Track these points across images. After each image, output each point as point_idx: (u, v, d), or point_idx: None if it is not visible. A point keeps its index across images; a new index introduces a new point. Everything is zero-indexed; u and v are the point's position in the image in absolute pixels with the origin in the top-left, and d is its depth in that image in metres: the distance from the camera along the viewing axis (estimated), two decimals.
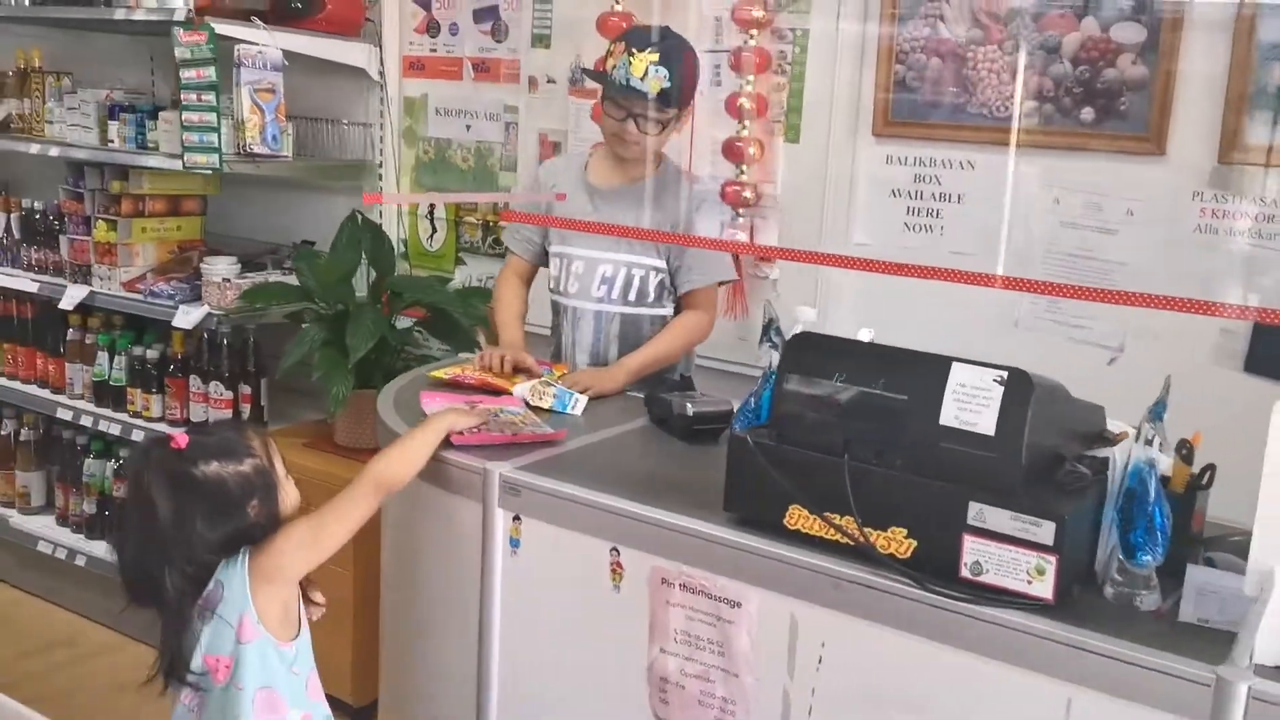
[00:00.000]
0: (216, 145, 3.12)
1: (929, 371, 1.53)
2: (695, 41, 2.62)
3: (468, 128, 3.51)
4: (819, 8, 2.86)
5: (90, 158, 3.52)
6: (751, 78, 2.88)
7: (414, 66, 3.59)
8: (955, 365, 1.52)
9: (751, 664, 1.66)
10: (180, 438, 1.75)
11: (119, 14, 3.27)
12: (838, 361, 1.62)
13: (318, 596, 1.90)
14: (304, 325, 3.12)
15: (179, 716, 1.76)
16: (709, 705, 1.71)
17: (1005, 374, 1.49)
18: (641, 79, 2.41)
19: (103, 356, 3.62)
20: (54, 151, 3.56)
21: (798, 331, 1.75)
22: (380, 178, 3.61)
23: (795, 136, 2.93)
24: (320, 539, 1.75)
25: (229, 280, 3.33)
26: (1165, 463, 1.54)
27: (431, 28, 3.54)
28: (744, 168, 2.92)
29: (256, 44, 3.20)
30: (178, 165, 3.21)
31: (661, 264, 2.60)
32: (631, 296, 2.60)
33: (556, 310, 2.69)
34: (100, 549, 3.65)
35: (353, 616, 2.91)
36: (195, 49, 3.08)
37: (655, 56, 2.41)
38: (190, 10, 3.12)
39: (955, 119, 2.76)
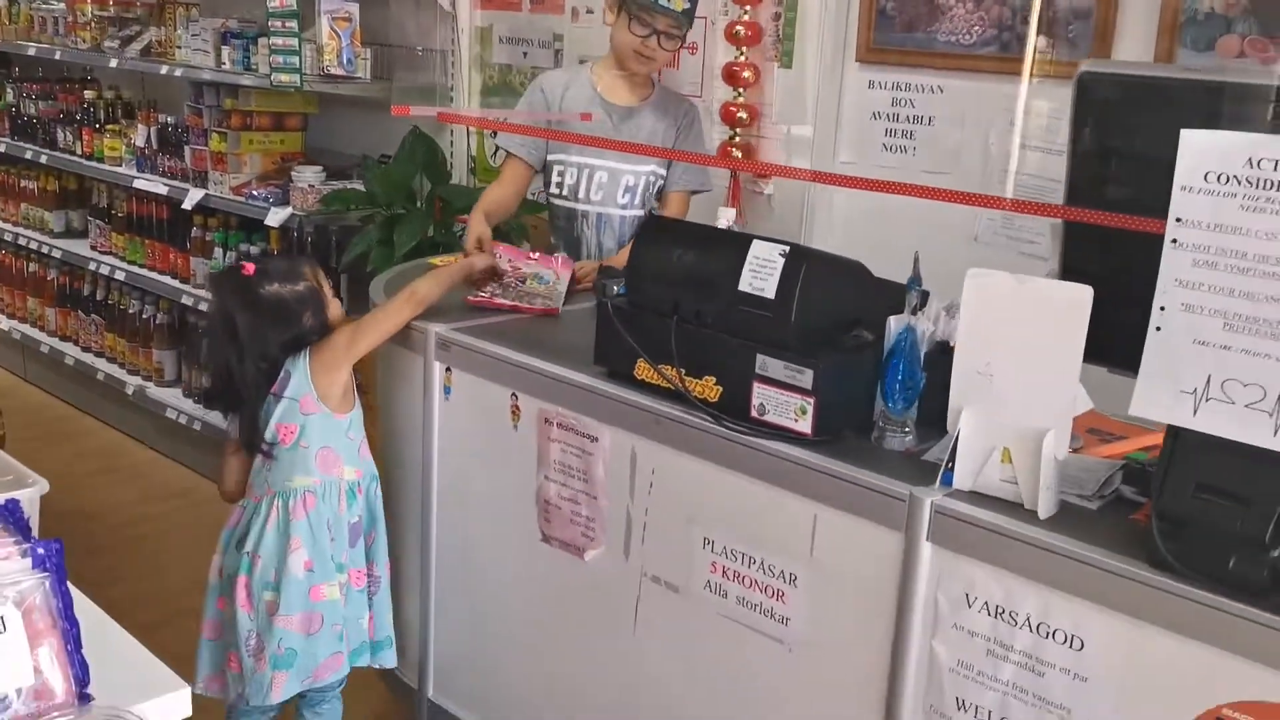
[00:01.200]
0: (298, 66, 3.62)
1: (739, 248, 1.85)
2: None
3: (524, 54, 3.89)
4: None
5: (208, 78, 4.09)
6: (748, 8, 3.15)
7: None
8: (754, 242, 1.83)
9: (605, 488, 2.03)
10: (248, 266, 2.27)
11: None
12: (677, 242, 1.95)
13: None
14: (363, 225, 3.60)
15: (256, 472, 2.26)
16: (577, 523, 2.09)
17: (787, 248, 1.79)
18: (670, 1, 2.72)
19: (218, 251, 4.22)
20: (179, 72, 4.15)
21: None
22: (451, 100, 4.04)
23: (789, 63, 3.19)
24: (358, 339, 2.24)
25: (313, 186, 3.84)
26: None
27: None
28: (740, 90, 3.20)
29: None
30: (270, 84, 3.73)
31: (664, 171, 2.95)
32: (647, 201, 2.95)
33: (571, 215, 3.04)
34: (215, 417, 4.28)
35: None
36: None
37: None
38: None
39: (927, 47, 2.97)
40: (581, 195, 2.96)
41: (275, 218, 3.83)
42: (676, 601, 1.95)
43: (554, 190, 3.04)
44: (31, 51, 5.01)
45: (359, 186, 3.87)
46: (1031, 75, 2.80)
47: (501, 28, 3.96)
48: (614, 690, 2.09)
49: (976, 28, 2.89)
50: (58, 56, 4.87)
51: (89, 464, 4.40)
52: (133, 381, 4.57)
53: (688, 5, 2.71)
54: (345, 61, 3.72)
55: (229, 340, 2.20)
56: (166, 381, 4.56)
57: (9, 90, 5.32)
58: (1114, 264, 1.57)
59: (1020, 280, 1.57)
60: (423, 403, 2.32)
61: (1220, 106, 1.49)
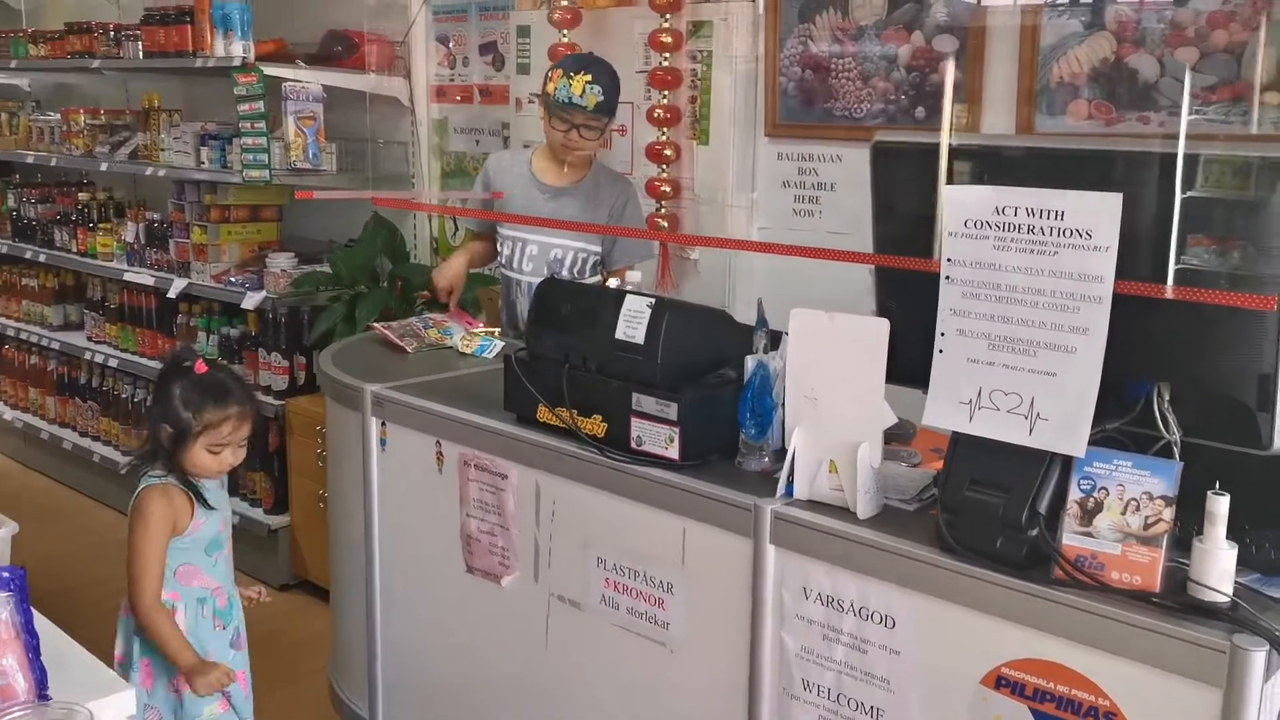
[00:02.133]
0: (267, 163, 3.97)
1: (616, 302, 2.13)
2: (626, 64, 3.26)
3: (477, 142, 4.24)
4: (718, 31, 3.45)
5: (188, 176, 4.45)
6: (667, 92, 3.49)
7: (438, 94, 4.35)
8: (628, 296, 2.12)
9: (516, 519, 2.29)
10: (201, 365, 2.33)
11: (197, 62, 4.17)
12: (566, 300, 2.24)
13: (252, 592, 2.54)
14: (330, 304, 3.91)
15: None
16: (494, 553, 2.35)
17: (653, 300, 2.08)
18: (580, 95, 3.04)
19: (201, 335, 4.53)
20: (163, 173, 4.51)
21: (544, 281, 2.38)
22: (413, 186, 4.38)
23: (706, 140, 3.52)
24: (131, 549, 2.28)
25: (285, 271, 4.17)
26: None
27: (451, 61, 4.29)
28: (663, 167, 3.52)
29: (300, 80, 4.03)
30: (242, 180, 4.07)
31: (599, 248, 3.24)
32: (575, 273, 3.24)
33: (508, 284, 3.34)
34: None
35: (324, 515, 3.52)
36: (249, 87, 3.93)
37: (589, 76, 3.02)
38: (246, 57, 3.97)
39: (825, 120, 3.29)
40: (516, 265, 3.26)
41: (251, 301, 4.15)
42: (578, 616, 2.21)
43: (501, 261, 3.34)
44: (30, 159, 5.40)
45: (327, 269, 4.19)
46: None
47: (456, 119, 4.32)
48: (534, 697, 2.33)
49: (865, 103, 3.22)
50: (54, 163, 5.26)
51: (85, 539, 4.66)
52: (126, 460, 4.85)
53: (601, 100, 3.01)
54: (311, 156, 4.06)
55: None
56: None
57: (10, 196, 5.70)
58: (912, 301, 1.84)
59: (831, 317, 1.85)
60: (361, 454, 2.59)
61: (982, 166, 1.78)
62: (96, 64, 4.79)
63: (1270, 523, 1.65)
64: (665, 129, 3.50)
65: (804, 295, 2.46)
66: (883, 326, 1.79)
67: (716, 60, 3.46)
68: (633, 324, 2.08)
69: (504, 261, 3.31)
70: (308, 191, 3.42)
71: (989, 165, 1.76)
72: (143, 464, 2.35)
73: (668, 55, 3.47)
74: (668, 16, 3.42)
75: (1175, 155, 1.58)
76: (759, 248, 3.33)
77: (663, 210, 3.55)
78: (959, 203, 1.68)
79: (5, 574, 1.63)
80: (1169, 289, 1.53)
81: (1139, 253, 1.58)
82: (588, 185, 3.25)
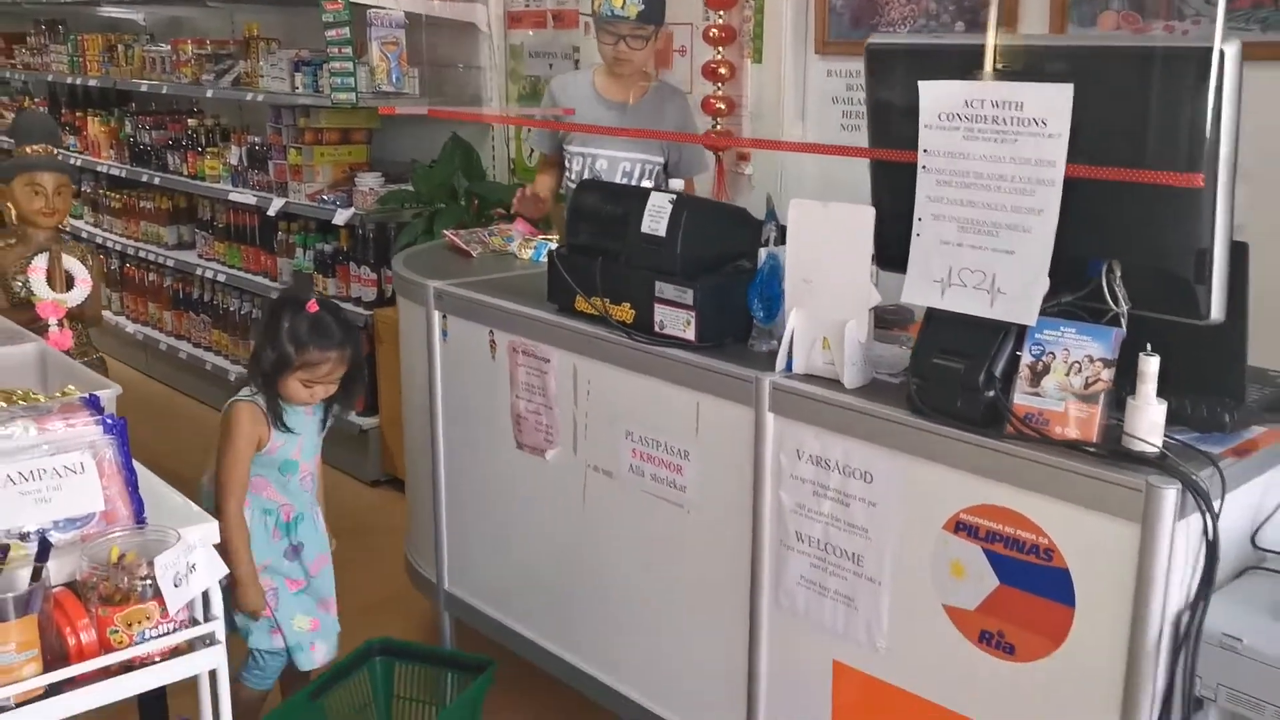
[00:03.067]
0: (353, 86, 4.25)
1: (642, 200, 2.35)
2: None
3: (550, 66, 4.45)
4: None
5: (284, 101, 4.77)
6: (722, 12, 3.65)
7: (513, 20, 4.57)
8: (652, 194, 2.34)
9: (557, 399, 2.55)
10: (313, 304, 2.45)
11: None
12: (600, 200, 2.47)
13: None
14: (412, 220, 4.20)
15: None
16: (540, 430, 2.62)
17: (674, 196, 2.29)
18: (621, 8, 3.24)
19: (299, 251, 4.89)
20: (261, 98, 4.84)
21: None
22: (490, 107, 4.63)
23: (759, 58, 3.68)
24: (222, 451, 2.51)
25: (373, 189, 4.47)
26: None
27: None
28: (719, 85, 3.70)
29: (383, 7, 4.28)
30: (330, 102, 4.37)
31: (662, 159, 3.46)
32: (640, 183, 3.46)
33: None
34: None
35: None
36: (335, 14, 4.20)
37: None
38: None
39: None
40: (636, 184, 3.47)
41: (341, 218, 4.47)
42: (610, 484, 2.47)
43: (569, 178, 3.56)
44: (144, 88, 5.80)
45: (410, 188, 4.48)
46: None
47: (530, 44, 4.54)
48: (573, 556, 2.61)
49: (909, 18, 3.34)
50: (165, 91, 5.64)
51: (195, 440, 5.09)
52: (234, 370, 5.26)
53: (641, 9, 3.19)
54: (394, 79, 4.33)
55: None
56: None
57: (127, 123, 6.13)
58: (904, 194, 2.01)
59: (825, 206, 2.04)
60: (426, 345, 2.88)
61: (959, 65, 1.93)
62: None
63: (1208, 386, 1.81)
64: (720, 48, 3.67)
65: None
66: (868, 214, 1.98)
67: None
68: (656, 219, 2.31)
69: (572, 179, 3.52)
70: (390, 108, 3.70)
71: (976, 64, 1.92)
72: (245, 379, 2.57)
73: None
74: None
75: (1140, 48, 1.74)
76: (794, 147, 3.50)
77: (718, 126, 3.73)
78: (933, 97, 1.85)
79: (109, 420, 1.94)
80: (1104, 170, 1.68)
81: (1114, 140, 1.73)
82: (650, 100, 3.45)
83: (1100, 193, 1.73)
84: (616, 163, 3.43)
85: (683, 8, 3.76)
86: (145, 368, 6.21)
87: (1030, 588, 1.78)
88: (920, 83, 1.87)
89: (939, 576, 1.89)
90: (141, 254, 6.04)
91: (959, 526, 1.86)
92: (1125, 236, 1.77)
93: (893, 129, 2.03)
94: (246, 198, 5.08)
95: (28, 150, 3.19)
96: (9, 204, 3.18)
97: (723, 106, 3.70)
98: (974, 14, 3.18)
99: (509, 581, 2.83)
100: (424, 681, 2.66)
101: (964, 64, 1.91)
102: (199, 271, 5.52)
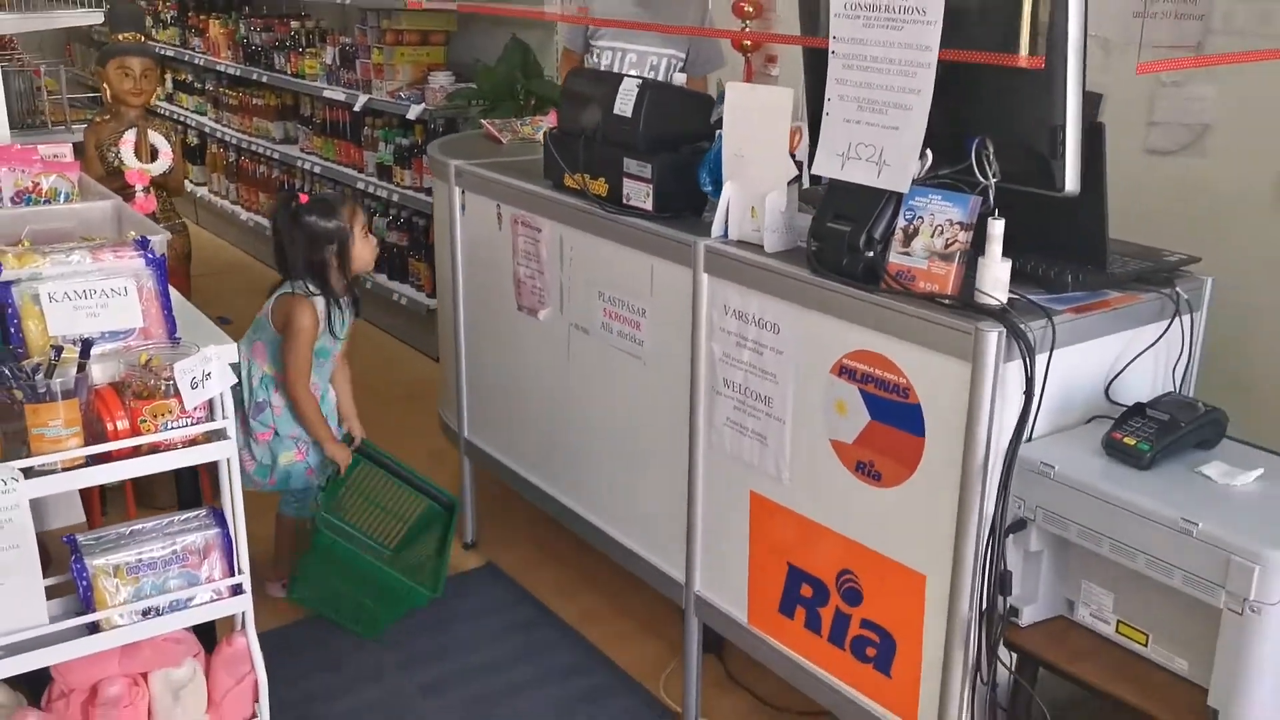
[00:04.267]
0: None
1: (618, 84, 2.63)
2: None
3: None
4: None
5: (370, 4, 5.15)
6: None
7: None
8: (624, 78, 2.62)
9: (546, 264, 2.88)
10: (303, 196, 3.00)
11: None
12: (585, 85, 2.76)
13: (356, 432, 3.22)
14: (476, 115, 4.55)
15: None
16: (534, 291, 2.96)
17: (641, 80, 2.57)
18: None
19: (381, 145, 5.30)
20: (349, 1, 5.23)
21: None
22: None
23: None
24: (288, 349, 2.96)
25: (443, 87, 4.83)
26: None
27: None
28: None
29: None
30: (404, 4, 4.72)
31: (684, 54, 3.72)
32: (667, 78, 3.73)
33: None
34: (382, 280, 5.39)
35: None
36: None
37: None
38: None
39: None
40: (619, 72, 3.76)
41: (413, 113, 4.85)
42: (587, 339, 2.79)
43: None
44: None
45: (475, 86, 4.82)
46: None
47: None
48: (560, 401, 2.96)
49: None
50: None
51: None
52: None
53: None
54: None
55: (277, 243, 3.01)
56: None
57: (241, 25, 6.62)
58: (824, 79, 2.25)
59: (752, 88, 2.30)
60: (449, 217, 3.23)
61: None
62: None
63: (1071, 254, 2.03)
64: None
65: None
66: (786, 94, 2.23)
67: None
68: (625, 100, 2.59)
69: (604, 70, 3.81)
70: (417, 2, 4.06)
71: None
72: (285, 283, 3.00)
73: None
74: None
75: None
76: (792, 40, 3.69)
77: (746, 27, 3.95)
78: None
79: (150, 255, 2.35)
80: (963, 54, 1.90)
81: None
82: None
83: (971, 75, 1.95)
84: (645, 57, 3.69)
85: None
86: (255, 251, 6.78)
87: (892, 422, 2.05)
88: None
89: (828, 415, 2.17)
90: (254, 148, 6.55)
91: (842, 370, 2.13)
92: (992, 115, 1.99)
93: (816, 19, 2.27)
94: (337, 95, 5.50)
95: (119, 38, 3.63)
96: (105, 85, 3.64)
97: (750, 9, 3.92)
98: None
99: (511, 429, 3.20)
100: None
101: None
102: (300, 164, 6.00)
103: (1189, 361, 2.16)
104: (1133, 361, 2.06)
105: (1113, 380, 2.07)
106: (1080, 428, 2.02)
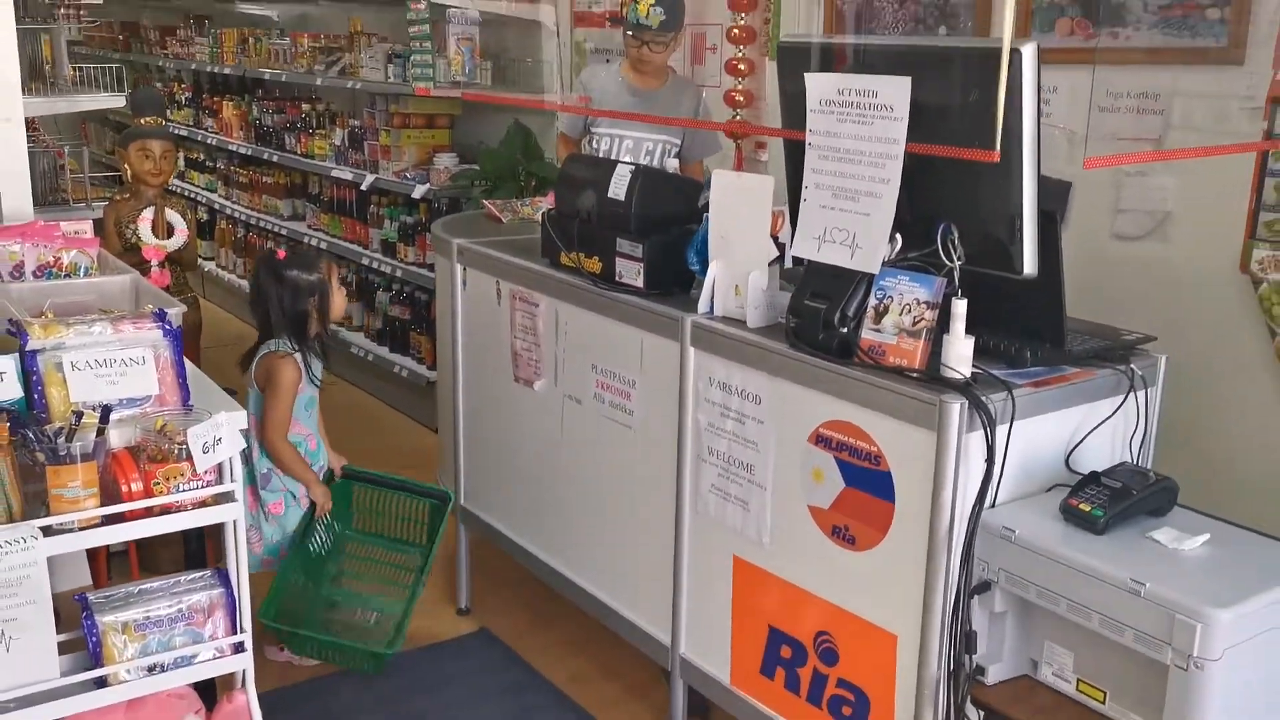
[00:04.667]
0: (432, 75, 4.81)
1: (611, 170, 2.80)
2: None
3: (607, 61, 4.92)
4: None
5: (378, 89, 5.37)
6: (744, 15, 4.06)
7: (579, 19, 5.06)
8: (618, 164, 2.78)
9: (543, 338, 3.03)
10: (281, 252, 3.18)
11: None
12: (581, 170, 2.93)
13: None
14: (478, 195, 4.73)
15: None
16: (531, 364, 3.09)
17: (634, 166, 2.74)
18: (645, 16, 3.71)
19: (386, 222, 5.48)
20: (359, 86, 5.45)
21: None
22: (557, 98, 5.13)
23: (775, 55, 4.06)
24: (269, 407, 3.10)
25: (447, 168, 5.03)
26: None
27: None
28: (739, 80, 4.12)
29: (460, 7, 4.83)
30: (414, 90, 4.93)
31: (678, 141, 3.91)
32: (661, 162, 3.91)
33: None
34: (384, 352, 5.54)
35: None
36: (418, 14, 4.77)
37: (653, 1, 3.70)
38: None
39: (868, 41, 3.79)
40: (615, 158, 3.94)
41: (418, 192, 5.04)
42: (580, 409, 2.93)
43: (599, 156, 4.03)
44: (268, 76, 6.50)
45: (478, 167, 5.02)
46: None
47: (592, 41, 5.02)
48: (553, 467, 3.07)
49: (901, 22, 3.71)
50: (284, 79, 6.33)
51: None
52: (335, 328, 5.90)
53: (664, 19, 3.65)
54: (468, 71, 4.88)
55: (259, 297, 3.17)
56: (354, 327, 5.88)
57: (254, 107, 6.86)
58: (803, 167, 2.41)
59: (739, 176, 2.47)
60: (451, 292, 3.39)
61: (846, 58, 2.33)
62: None
63: (1024, 330, 2.17)
64: (742, 47, 4.09)
65: None
66: (768, 182, 2.39)
67: None
68: (618, 185, 2.75)
69: (602, 155, 3.99)
70: (425, 89, 4.27)
71: (869, 59, 2.32)
72: (267, 342, 3.15)
73: None
74: None
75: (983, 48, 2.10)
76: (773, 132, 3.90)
77: (738, 116, 4.15)
78: (815, 86, 2.26)
79: (168, 325, 2.49)
80: (927, 147, 2.06)
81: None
82: (669, 89, 3.91)
83: (937, 166, 2.11)
84: (641, 143, 3.88)
85: (713, 11, 4.20)
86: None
87: (865, 488, 2.18)
88: (805, 74, 2.27)
89: (805, 481, 2.30)
90: (262, 224, 6.75)
91: (818, 439, 2.26)
92: (956, 203, 2.15)
93: (797, 114, 2.44)
94: (345, 174, 5.70)
95: (141, 121, 3.82)
96: (125, 165, 3.82)
97: (742, 99, 4.12)
98: (953, 19, 3.53)
99: (505, 496, 3.32)
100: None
101: (844, 60, 2.32)
102: (307, 239, 6.18)
103: (1145, 434, 2.28)
104: (1090, 434, 2.19)
105: (1072, 450, 2.20)
106: (1041, 495, 2.14)
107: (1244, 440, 2.96)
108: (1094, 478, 2.04)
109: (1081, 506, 1.98)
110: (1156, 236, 3.10)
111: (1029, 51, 1.98)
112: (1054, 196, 3.30)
